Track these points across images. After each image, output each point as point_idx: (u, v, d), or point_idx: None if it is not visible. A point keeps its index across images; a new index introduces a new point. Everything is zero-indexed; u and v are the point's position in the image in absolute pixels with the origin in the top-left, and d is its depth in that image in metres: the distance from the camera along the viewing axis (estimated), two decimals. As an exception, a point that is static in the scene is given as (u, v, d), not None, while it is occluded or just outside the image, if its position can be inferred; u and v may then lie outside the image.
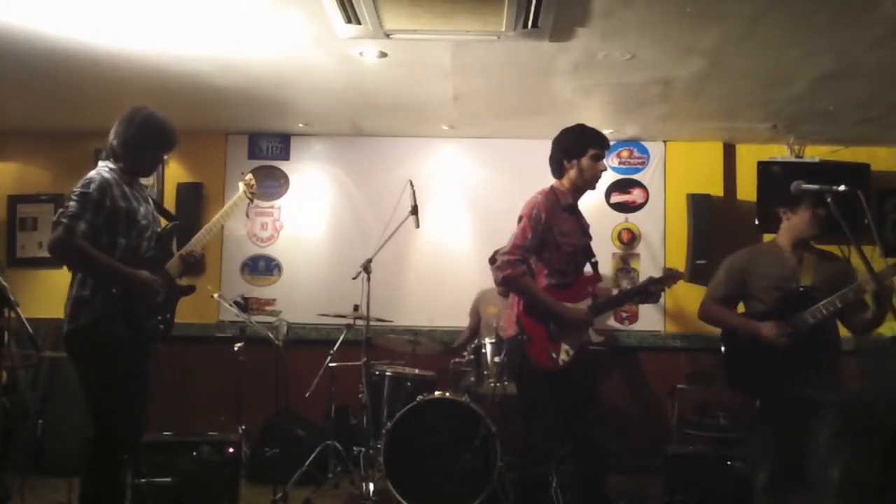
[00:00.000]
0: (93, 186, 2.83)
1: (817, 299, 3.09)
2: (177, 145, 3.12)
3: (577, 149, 3.19)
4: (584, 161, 3.18)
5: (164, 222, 3.22)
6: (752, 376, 3.23)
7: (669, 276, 3.35)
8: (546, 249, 3.14)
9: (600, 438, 3.18)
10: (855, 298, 3.02)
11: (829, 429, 3.02)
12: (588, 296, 3.21)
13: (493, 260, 3.85)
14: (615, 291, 3.44)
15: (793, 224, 3.24)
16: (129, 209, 2.91)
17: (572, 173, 3.21)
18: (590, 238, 3.32)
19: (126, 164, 2.99)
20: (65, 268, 2.95)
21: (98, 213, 2.81)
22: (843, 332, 3.27)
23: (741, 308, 3.40)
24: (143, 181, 3.18)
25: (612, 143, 5.54)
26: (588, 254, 3.29)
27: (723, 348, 3.34)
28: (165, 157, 3.15)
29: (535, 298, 3.10)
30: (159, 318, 3.03)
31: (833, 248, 3.44)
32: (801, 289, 3.16)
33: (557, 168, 3.26)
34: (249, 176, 3.55)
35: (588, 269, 3.30)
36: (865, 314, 3.11)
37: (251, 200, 3.57)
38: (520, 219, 3.17)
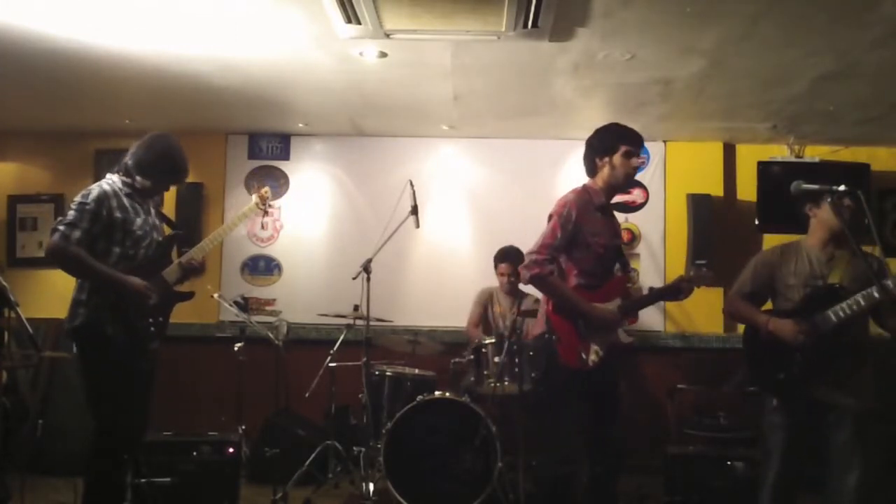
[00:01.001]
0: (90, 198, 3.01)
1: (844, 298, 2.99)
2: (187, 178, 3.28)
3: (609, 146, 3.15)
4: (617, 158, 3.13)
5: (168, 230, 3.35)
6: (771, 375, 3.15)
7: (700, 277, 3.28)
8: (576, 249, 3.10)
9: (618, 440, 3.17)
10: (882, 299, 2.88)
11: (846, 432, 2.98)
12: (617, 296, 3.17)
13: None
14: (645, 291, 3.40)
15: (821, 220, 3.14)
16: (126, 220, 3.06)
17: (605, 171, 3.16)
18: (620, 239, 3.29)
19: (135, 183, 3.14)
20: (64, 270, 3.04)
21: (94, 222, 2.98)
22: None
23: (769, 306, 3.32)
24: None
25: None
26: (618, 254, 3.26)
27: (744, 345, 3.28)
28: (174, 186, 3.32)
29: (564, 298, 3.06)
30: (150, 320, 3.13)
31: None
32: (828, 286, 3.06)
33: (590, 167, 3.22)
34: (266, 189, 3.63)
35: (617, 269, 3.27)
36: None
37: (265, 213, 3.66)
38: (550, 217, 3.13)
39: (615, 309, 3.13)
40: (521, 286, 4.50)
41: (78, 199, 3.02)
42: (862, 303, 2.93)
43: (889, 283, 2.85)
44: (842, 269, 3.08)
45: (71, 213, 2.98)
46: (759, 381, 3.29)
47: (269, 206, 3.67)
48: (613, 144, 3.15)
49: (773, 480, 3.14)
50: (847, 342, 3.04)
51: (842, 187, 2.77)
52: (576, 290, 3.09)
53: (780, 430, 3.14)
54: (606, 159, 3.15)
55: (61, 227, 2.93)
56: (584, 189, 3.19)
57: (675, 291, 3.29)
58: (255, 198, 3.58)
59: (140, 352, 3.09)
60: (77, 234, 2.93)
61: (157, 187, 3.22)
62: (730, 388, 4.80)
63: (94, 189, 3.04)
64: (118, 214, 3.03)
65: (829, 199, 2.97)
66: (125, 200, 3.08)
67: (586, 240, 3.09)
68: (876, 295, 2.88)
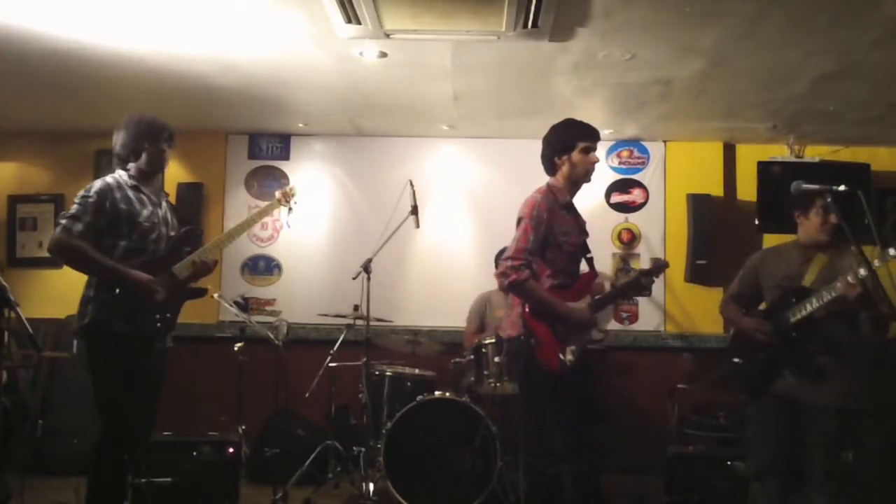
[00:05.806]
0: (92, 191, 3.00)
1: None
2: (172, 133, 3.21)
3: (566, 144, 3.16)
4: (576, 155, 3.14)
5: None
6: (741, 372, 3.30)
7: (657, 268, 3.37)
8: (549, 250, 3.10)
9: (596, 437, 3.18)
10: (836, 298, 2.93)
11: (819, 432, 3.00)
12: (587, 293, 3.18)
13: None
14: (607, 286, 3.43)
15: (805, 228, 3.22)
16: (131, 212, 3.04)
17: (565, 169, 3.17)
18: (587, 235, 3.29)
19: (134, 165, 3.12)
20: (68, 268, 3.02)
21: (98, 215, 2.96)
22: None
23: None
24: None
25: (612, 143, 5.59)
26: (584, 251, 3.27)
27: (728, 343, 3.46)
28: (167, 147, 3.20)
29: (542, 302, 3.05)
30: (157, 316, 3.08)
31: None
32: (799, 287, 3.13)
33: (549, 165, 3.22)
34: (291, 186, 3.67)
35: (583, 266, 3.28)
36: (869, 316, 3.01)
37: (290, 209, 3.62)
38: (519, 220, 3.11)
39: (587, 308, 3.15)
40: None
41: (80, 193, 3.01)
42: (815, 303, 3.01)
43: (838, 283, 2.91)
44: (818, 270, 3.15)
45: (74, 207, 2.97)
46: (733, 378, 3.42)
47: (295, 202, 3.62)
48: (571, 142, 3.15)
49: (755, 477, 3.18)
50: (821, 341, 3.07)
51: (842, 187, 2.77)
52: (549, 290, 3.09)
53: (754, 426, 3.24)
54: (565, 157, 3.16)
55: (63, 221, 2.93)
56: (549, 188, 3.18)
57: (637, 286, 3.33)
58: (277, 194, 3.58)
59: (148, 350, 3.05)
60: (79, 226, 2.91)
61: (153, 156, 3.14)
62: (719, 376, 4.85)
63: (97, 182, 3.04)
64: (122, 206, 3.02)
65: (817, 207, 3.10)
66: (130, 192, 3.07)
67: (557, 239, 3.10)
68: (826, 295, 2.96)
